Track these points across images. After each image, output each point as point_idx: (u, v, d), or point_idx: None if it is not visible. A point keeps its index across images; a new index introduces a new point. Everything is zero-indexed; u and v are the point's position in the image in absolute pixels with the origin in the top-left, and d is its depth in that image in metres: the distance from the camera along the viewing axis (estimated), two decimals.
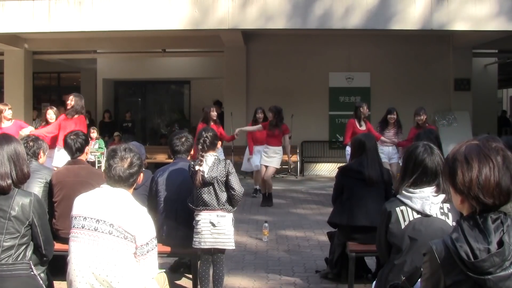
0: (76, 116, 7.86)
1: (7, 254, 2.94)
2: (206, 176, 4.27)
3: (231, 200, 4.35)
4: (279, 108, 8.89)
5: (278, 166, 9.33)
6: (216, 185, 4.29)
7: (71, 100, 7.93)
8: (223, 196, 4.31)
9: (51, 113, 8.34)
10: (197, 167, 4.31)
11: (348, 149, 8.90)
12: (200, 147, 4.40)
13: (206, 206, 4.30)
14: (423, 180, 3.08)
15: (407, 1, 9.99)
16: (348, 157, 8.88)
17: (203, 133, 4.43)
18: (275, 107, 8.88)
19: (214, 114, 9.05)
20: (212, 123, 8.81)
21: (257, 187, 9.74)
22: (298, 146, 12.82)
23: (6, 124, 8.12)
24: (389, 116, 9.05)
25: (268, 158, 8.95)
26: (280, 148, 8.99)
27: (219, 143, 4.55)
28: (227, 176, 4.31)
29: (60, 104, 12.96)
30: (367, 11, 9.99)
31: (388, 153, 8.96)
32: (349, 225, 4.73)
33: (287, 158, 9.60)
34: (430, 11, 9.97)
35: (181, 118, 17.59)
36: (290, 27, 10.36)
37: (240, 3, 10.06)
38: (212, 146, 4.40)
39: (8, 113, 8.20)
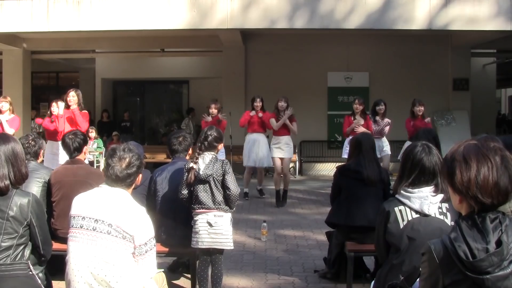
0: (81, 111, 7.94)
1: (5, 254, 2.93)
2: (201, 173, 4.26)
3: (227, 200, 4.34)
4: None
5: (292, 156, 9.31)
6: (212, 183, 4.28)
7: (73, 96, 7.95)
8: (219, 195, 4.30)
9: (53, 106, 8.28)
10: (191, 165, 4.30)
11: (346, 144, 8.93)
12: (199, 144, 4.39)
13: (201, 204, 4.29)
14: (421, 179, 3.08)
15: (406, 2, 9.99)
16: (344, 153, 8.92)
17: (207, 131, 4.41)
18: (287, 98, 8.92)
19: (212, 111, 8.97)
20: (210, 120, 8.80)
21: (247, 190, 9.51)
22: (297, 146, 12.82)
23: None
24: (377, 107, 9.03)
25: (281, 150, 8.88)
26: (290, 137, 8.96)
27: (221, 145, 4.53)
28: (223, 175, 4.30)
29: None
30: (367, 12, 9.99)
31: (378, 147, 8.90)
32: (347, 225, 4.73)
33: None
34: (429, 11, 9.98)
35: (180, 117, 17.56)
36: (290, 27, 10.36)
37: (239, 3, 10.06)
38: (211, 147, 4.39)
39: (3, 106, 8.18)
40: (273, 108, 9.10)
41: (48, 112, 8.53)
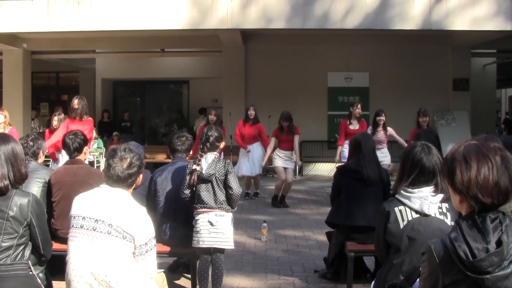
0: (84, 118, 7.87)
1: (6, 255, 2.93)
2: (204, 172, 4.27)
3: (229, 200, 4.35)
4: (290, 114, 8.95)
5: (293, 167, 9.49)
6: (214, 183, 4.29)
7: (77, 104, 7.90)
8: (221, 195, 4.31)
9: (56, 120, 8.38)
10: (194, 166, 4.31)
11: (345, 150, 9.00)
12: (200, 146, 4.40)
13: (203, 204, 4.30)
14: (421, 179, 3.08)
15: (406, 1, 9.99)
16: (343, 157, 8.98)
17: (208, 132, 4.42)
18: (289, 114, 8.92)
19: (211, 117, 9.11)
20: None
21: (249, 191, 9.73)
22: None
23: None
24: (377, 118, 9.10)
25: (285, 161, 8.96)
26: (292, 152, 9.03)
27: (222, 143, 4.54)
28: (226, 175, 4.31)
29: (59, 104, 12.89)
30: (366, 11, 10.00)
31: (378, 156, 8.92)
32: (347, 225, 4.73)
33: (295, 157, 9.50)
34: (429, 11, 9.98)
35: (180, 118, 17.58)
36: (289, 27, 10.37)
37: (239, 3, 10.06)
38: (213, 148, 4.40)
39: None
40: (267, 111, 9.14)
41: (51, 124, 8.55)
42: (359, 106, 9.09)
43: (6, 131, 8.03)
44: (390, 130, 9.18)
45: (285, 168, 8.98)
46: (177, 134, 5.01)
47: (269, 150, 9.02)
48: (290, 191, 9.27)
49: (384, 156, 9.17)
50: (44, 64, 16.24)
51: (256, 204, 9.20)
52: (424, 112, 8.83)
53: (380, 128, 9.08)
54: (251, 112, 9.38)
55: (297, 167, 12.49)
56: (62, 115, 8.55)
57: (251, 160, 9.38)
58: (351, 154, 4.96)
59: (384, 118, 9.07)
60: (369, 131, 9.12)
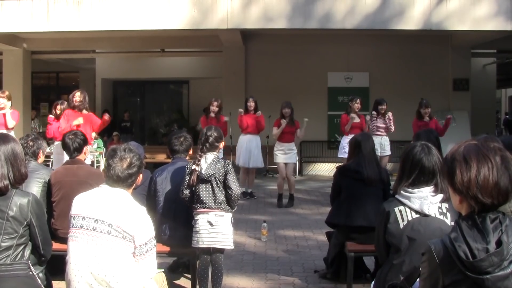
0: (84, 112, 7.85)
1: (5, 254, 2.93)
2: (203, 172, 4.27)
3: (228, 200, 4.35)
4: (291, 103, 8.96)
5: (296, 161, 9.47)
6: (214, 183, 4.29)
7: (79, 97, 7.86)
8: (221, 195, 4.31)
9: (59, 109, 8.47)
10: (193, 166, 4.31)
11: (343, 145, 9.02)
12: (200, 146, 4.40)
13: (202, 204, 4.30)
14: (421, 179, 3.08)
15: (406, 1, 10.00)
16: (340, 153, 9.01)
17: (207, 132, 4.42)
18: (290, 103, 8.90)
19: (213, 108, 9.03)
20: (213, 116, 8.86)
21: (244, 189, 9.52)
22: (297, 146, 12.81)
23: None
24: (380, 107, 9.14)
25: (286, 155, 8.91)
26: (294, 143, 9.00)
27: (222, 143, 4.54)
28: (225, 175, 4.31)
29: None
30: (366, 11, 10.00)
31: (380, 145, 8.98)
32: (347, 225, 4.73)
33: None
34: (429, 11, 9.98)
35: (180, 118, 17.58)
36: (290, 27, 10.37)
37: (239, 3, 10.06)
38: (212, 148, 4.40)
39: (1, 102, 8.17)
40: (267, 110, 9.14)
41: (53, 112, 8.61)
42: (358, 100, 9.12)
43: (9, 110, 8.13)
44: (389, 114, 9.20)
45: (285, 164, 8.97)
46: (175, 134, 5.02)
47: (275, 130, 8.88)
48: (294, 188, 9.19)
49: (387, 145, 9.22)
50: (44, 64, 16.24)
51: (256, 204, 9.19)
52: (426, 103, 8.84)
53: (380, 116, 9.14)
54: (251, 104, 9.34)
55: (297, 167, 12.53)
56: (65, 104, 8.59)
57: (249, 152, 9.32)
58: (351, 154, 4.96)
59: (385, 107, 9.14)
60: (368, 119, 9.19)
